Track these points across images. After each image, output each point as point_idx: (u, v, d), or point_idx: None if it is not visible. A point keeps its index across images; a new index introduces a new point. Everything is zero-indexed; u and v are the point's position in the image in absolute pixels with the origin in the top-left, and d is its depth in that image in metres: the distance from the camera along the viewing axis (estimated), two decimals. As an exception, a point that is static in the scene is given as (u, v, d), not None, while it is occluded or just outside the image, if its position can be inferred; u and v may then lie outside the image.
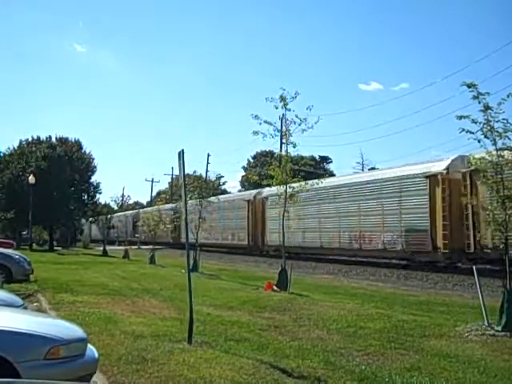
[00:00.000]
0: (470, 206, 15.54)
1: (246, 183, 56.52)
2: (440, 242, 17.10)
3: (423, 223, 17.81)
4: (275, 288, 11.94)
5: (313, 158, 52.98)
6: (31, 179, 32.41)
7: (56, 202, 35.13)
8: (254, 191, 30.75)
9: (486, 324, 7.27)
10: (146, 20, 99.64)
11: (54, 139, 39.94)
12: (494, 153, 7.52)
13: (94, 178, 40.64)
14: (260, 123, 12.31)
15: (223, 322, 7.75)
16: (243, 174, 60.17)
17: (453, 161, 17.35)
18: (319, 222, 23.22)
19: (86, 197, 40.19)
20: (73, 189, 38.55)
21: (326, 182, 20.41)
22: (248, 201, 29.84)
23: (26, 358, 3.70)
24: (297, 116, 12.10)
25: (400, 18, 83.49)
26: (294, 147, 12.59)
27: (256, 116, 12.23)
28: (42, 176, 33.71)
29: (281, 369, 5.18)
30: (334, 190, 22.54)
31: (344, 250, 22.13)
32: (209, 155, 45.30)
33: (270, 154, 46.27)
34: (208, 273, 17.46)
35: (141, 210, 47.50)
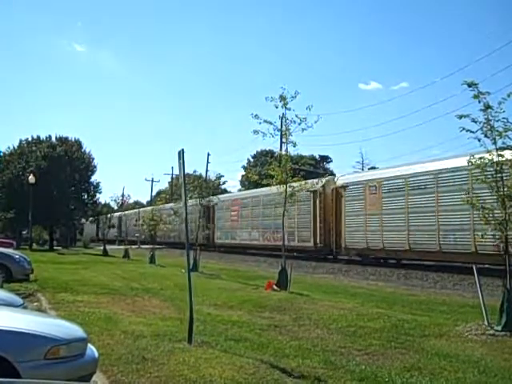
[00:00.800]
0: None
1: (246, 182, 56.49)
2: None
3: None
4: (275, 287, 11.93)
5: (313, 158, 53.06)
6: (31, 179, 32.41)
7: (56, 201, 35.15)
8: (323, 179, 23.89)
9: (486, 323, 7.26)
10: (145, 20, 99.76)
11: (54, 139, 39.97)
12: None
13: (94, 178, 40.73)
14: (260, 122, 12.34)
15: (223, 321, 7.75)
16: (243, 173, 60.17)
17: None
18: (437, 218, 17.45)
19: (86, 196, 40.17)
20: (73, 188, 38.55)
21: (447, 162, 16.18)
22: (314, 191, 22.65)
23: (25, 358, 3.70)
24: (297, 115, 12.10)
25: (400, 18, 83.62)
26: (294, 146, 12.60)
27: (256, 115, 12.25)
28: (42, 176, 33.72)
29: (281, 368, 5.17)
30: (463, 172, 15.33)
31: (487, 256, 14.90)
32: (209, 155, 45.46)
33: (270, 153, 46.32)
34: (208, 272, 17.44)
35: (160, 207, 42.31)
